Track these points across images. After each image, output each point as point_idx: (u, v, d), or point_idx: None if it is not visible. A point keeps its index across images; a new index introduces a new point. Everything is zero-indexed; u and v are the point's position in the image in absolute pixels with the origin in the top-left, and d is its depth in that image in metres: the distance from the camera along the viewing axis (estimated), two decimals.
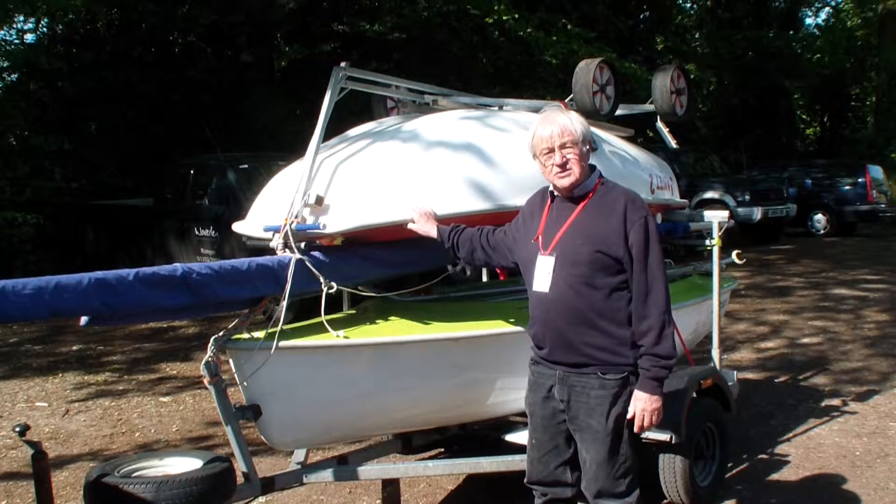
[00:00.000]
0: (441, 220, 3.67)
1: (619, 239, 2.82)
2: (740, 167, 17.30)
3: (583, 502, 3.05)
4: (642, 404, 2.83)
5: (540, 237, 2.99)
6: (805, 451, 4.99)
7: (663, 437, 3.89)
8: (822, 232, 17.89)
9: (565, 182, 2.92)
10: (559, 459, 3.02)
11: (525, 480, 3.15)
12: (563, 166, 2.90)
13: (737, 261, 5.21)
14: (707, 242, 4.72)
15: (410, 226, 3.44)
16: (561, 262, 2.89)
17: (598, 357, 2.86)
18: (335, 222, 3.47)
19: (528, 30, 13.94)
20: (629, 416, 2.86)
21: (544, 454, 3.04)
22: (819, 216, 17.96)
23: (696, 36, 26.27)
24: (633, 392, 2.85)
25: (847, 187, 17.90)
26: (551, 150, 2.91)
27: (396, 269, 3.90)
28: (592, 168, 3.01)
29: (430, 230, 3.43)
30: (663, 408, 2.88)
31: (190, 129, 12.62)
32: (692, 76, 10.75)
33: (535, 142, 2.96)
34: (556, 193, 3.02)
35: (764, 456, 4.94)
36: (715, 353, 4.68)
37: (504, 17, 13.87)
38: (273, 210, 3.71)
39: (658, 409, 2.84)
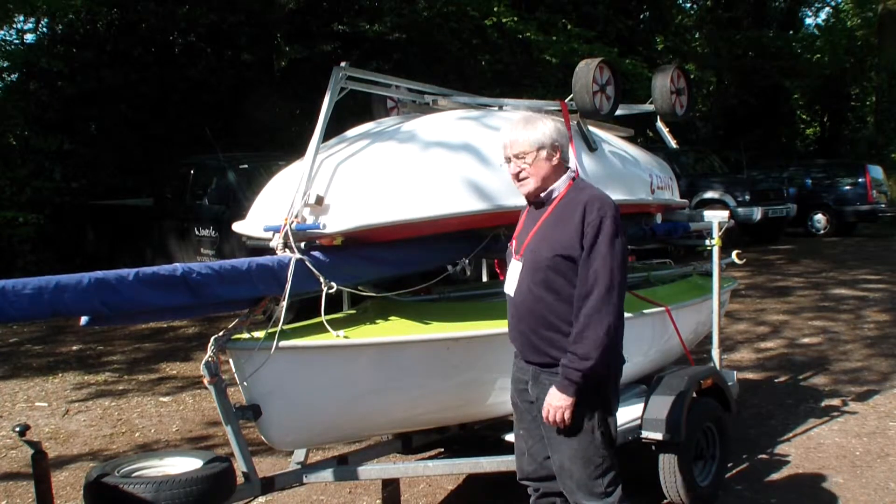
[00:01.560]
0: (441, 220, 3.67)
1: (575, 241, 2.82)
2: (740, 167, 17.28)
3: None
4: (549, 399, 2.84)
5: (514, 241, 3.06)
6: (805, 451, 4.99)
7: (662, 436, 3.90)
8: (822, 232, 17.88)
9: (523, 191, 3.00)
10: (545, 453, 3.04)
11: (518, 477, 3.19)
12: (517, 176, 2.96)
13: (737, 261, 5.21)
14: (707, 242, 4.72)
15: None
16: (526, 267, 2.93)
17: (561, 357, 2.86)
18: (335, 222, 3.47)
19: (528, 33, 13.95)
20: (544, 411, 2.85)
21: (532, 445, 3.08)
22: (819, 216, 17.96)
23: (696, 36, 26.27)
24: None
25: (847, 187, 17.89)
26: (508, 160, 2.98)
27: (396, 269, 3.90)
28: (566, 168, 2.98)
29: None
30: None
31: (190, 129, 12.63)
32: (692, 76, 10.76)
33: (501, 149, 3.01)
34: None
35: (764, 456, 4.94)
36: (715, 353, 4.68)
37: (504, 20, 13.89)
38: (273, 210, 3.71)
39: (565, 409, 2.79)
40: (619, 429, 3.86)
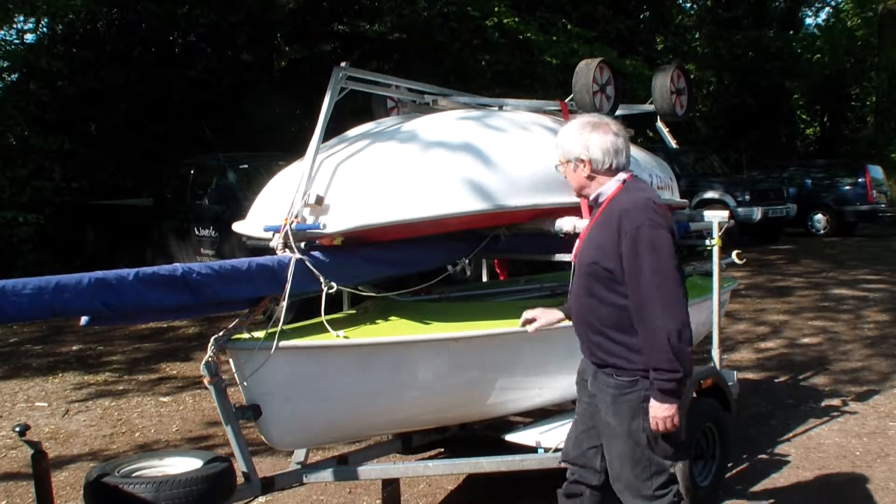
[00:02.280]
0: (441, 220, 3.67)
1: (612, 251, 2.82)
2: (740, 167, 17.29)
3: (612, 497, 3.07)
4: (653, 411, 2.84)
5: (578, 242, 3.13)
6: (805, 451, 4.99)
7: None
8: (822, 232, 17.87)
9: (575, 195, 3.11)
10: (592, 442, 3.08)
11: (561, 457, 3.25)
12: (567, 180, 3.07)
13: (737, 261, 5.20)
14: (707, 242, 4.72)
15: (534, 326, 3.31)
16: (576, 272, 3.03)
17: (611, 361, 2.92)
18: (335, 222, 3.47)
19: (529, 34, 13.95)
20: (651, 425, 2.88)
21: (581, 432, 3.13)
22: (819, 216, 17.95)
23: (696, 36, 26.28)
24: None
25: (847, 187, 17.89)
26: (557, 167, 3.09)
27: (396, 269, 3.90)
28: (616, 171, 2.96)
29: (554, 319, 3.29)
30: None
31: (190, 129, 12.63)
32: (692, 76, 10.74)
33: None
34: None
35: (764, 456, 4.94)
36: (715, 353, 4.68)
37: (505, 21, 13.89)
38: (273, 210, 3.71)
39: (669, 417, 2.81)
40: None
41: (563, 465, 3.22)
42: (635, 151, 4.93)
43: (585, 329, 2.99)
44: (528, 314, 3.31)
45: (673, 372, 2.75)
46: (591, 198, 3.01)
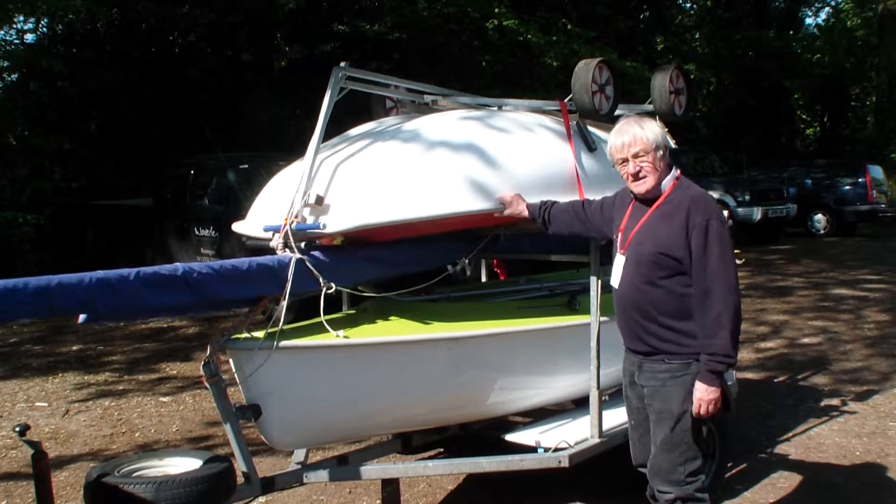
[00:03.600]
0: (441, 220, 3.67)
1: (680, 241, 2.96)
2: (740, 167, 17.29)
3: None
4: (699, 394, 2.99)
5: (620, 235, 3.19)
6: (805, 451, 4.99)
7: None
8: (822, 232, 17.88)
9: (639, 189, 3.11)
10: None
11: (633, 463, 3.33)
12: (636, 175, 3.07)
13: (737, 261, 5.20)
14: None
15: (504, 213, 3.56)
16: (629, 262, 3.09)
17: (663, 347, 3.04)
18: (335, 222, 3.47)
19: (529, 35, 13.95)
20: (694, 409, 3.00)
21: (641, 435, 3.23)
22: (819, 216, 17.95)
23: (696, 36, 26.28)
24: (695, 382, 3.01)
25: (847, 187, 17.89)
26: (625, 160, 3.08)
27: (396, 269, 3.90)
28: (671, 168, 3.11)
29: (521, 210, 3.56)
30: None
31: (190, 129, 12.62)
32: (692, 76, 10.72)
33: (612, 151, 3.14)
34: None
35: (764, 456, 4.94)
36: None
37: (505, 22, 13.88)
38: (273, 210, 3.71)
39: (715, 400, 2.97)
40: (618, 429, 3.91)
41: (638, 469, 3.30)
42: None
43: (638, 317, 3.07)
44: (503, 197, 3.52)
45: (727, 357, 2.95)
46: (651, 190, 3.07)
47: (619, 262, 3.15)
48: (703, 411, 2.98)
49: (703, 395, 2.97)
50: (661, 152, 3.06)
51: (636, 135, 3.05)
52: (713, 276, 2.92)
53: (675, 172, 3.11)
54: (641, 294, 3.05)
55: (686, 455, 3.03)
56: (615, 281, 3.17)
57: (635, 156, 3.05)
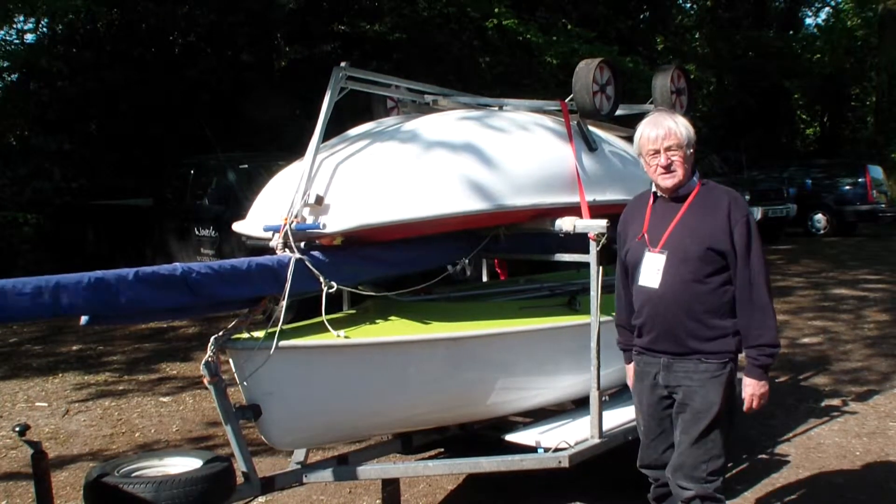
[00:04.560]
0: (441, 220, 3.67)
1: (724, 235, 2.98)
2: (740, 167, 17.28)
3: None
4: (751, 389, 3.06)
5: (645, 235, 3.12)
6: (805, 451, 4.99)
7: None
8: (822, 232, 17.87)
9: (669, 183, 3.07)
10: (667, 443, 3.17)
11: (637, 464, 3.30)
12: (668, 168, 3.06)
13: None
14: None
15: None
16: (671, 259, 3.04)
17: (701, 347, 3.03)
18: (335, 222, 3.47)
19: (528, 35, 13.95)
20: (745, 405, 3.04)
21: (653, 439, 3.20)
22: (819, 216, 17.94)
23: (696, 36, 26.28)
24: (743, 379, 3.07)
25: (847, 187, 17.88)
26: (657, 152, 3.06)
27: (396, 269, 3.90)
28: (694, 169, 3.13)
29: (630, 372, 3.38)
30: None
31: (190, 129, 12.61)
32: (692, 76, 10.70)
33: (642, 142, 3.10)
34: (658, 193, 3.16)
35: (764, 456, 4.94)
36: None
37: (505, 22, 13.88)
38: (273, 210, 3.71)
39: (765, 393, 3.06)
40: (618, 429, 3.91)
41: (642, 471, 3.30)
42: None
43: (683, 315, 3.03)
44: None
45: (775, 347, 3.01)
46: (678, 184, 3.07)
47: (653, 260, 3.07)
48: (754, 405, 3.04)
49: (755, 389, 3.04)
50: (691, 151, 3.08)
51: (670, 128, 3.05)
52: (756, 271, 2.96)
53: (698, 174, 3.14)
54: (688, 292, 3.01)
55: (711, 453, 3.02)
56: (650, 281, 3.07)
57: (668, 149, 3.04)
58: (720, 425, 3.02)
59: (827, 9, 30.74)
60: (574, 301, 4.30)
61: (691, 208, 3.06)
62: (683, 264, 3.01)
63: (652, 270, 3.07)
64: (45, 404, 6.29)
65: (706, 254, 2.98)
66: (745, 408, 3.06)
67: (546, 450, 3.74)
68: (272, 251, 3.49)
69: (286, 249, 3.42)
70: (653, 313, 3.08)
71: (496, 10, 13.96)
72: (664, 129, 3.05)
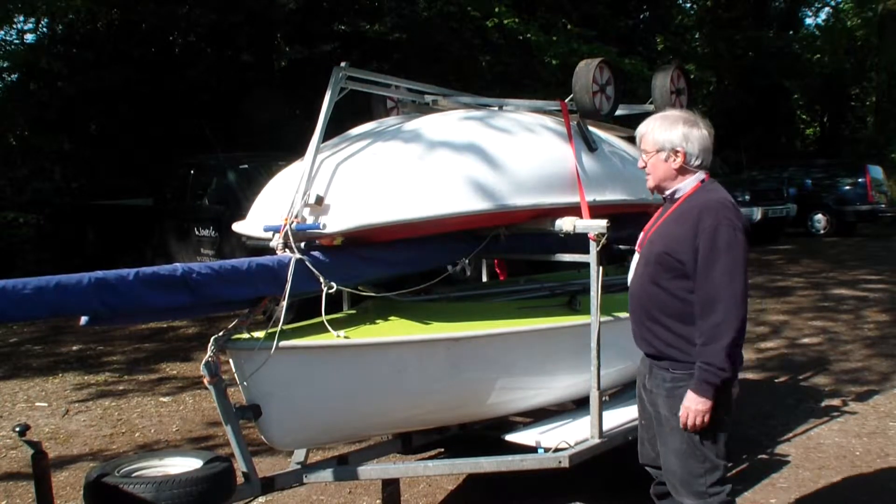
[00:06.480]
0: (441, 220, 3.67)
1: (687, 245, 2.87)
2: (740, 167, 17.30)
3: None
4: (687, 402, 2.87)
5: (642, 234, 3.16)
6: (805, 451, 4.99)
7: None
8: (822, 232, 17.87)
9: (648, 184, 3.09)
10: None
11: (639, 461, 3.27)
12: (644, 169, 3.07)
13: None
14: None
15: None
16: (640, 260, 3.06)
17: (668, 352, 2.96)
18: (335, 222, 3.47)
19: (529, 35, 13.96)
20: (681, 419, 2.88)
21: (652, 436, 3.15)
22: (819, 216, 17.95)
23: (696, 36, 26.28)
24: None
25: (847, 187, 17.89)
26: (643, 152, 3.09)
27: (396, 269, 3.90)
28: (696, 171, 3.02)
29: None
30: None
31: (190, 129, 12.62)
32: (692, 76, 10.72)
33: None
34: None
35: (764, 456, 4.94)
36: None
37: (505, 21, 13.89)
38: (273, 210, 3.71)
39: (703, 412, 2.84)
40: (618, 429, 3.90)
41: (644, 467, 3.27)
42: (636, 151, 4.94)
43: (642, 316, 3.02)
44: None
45: (721, 370, 2.81)
46: (667, 192, 3.04)
47: (634, 260, 3.13)
48: (689, 423, 2.85)
49: (692, 404, 2.84)
50: (667, 154, 2.98)
51: (643, 133, 3.04)
52: (716, 287, 2.79)
53: (701, 175, 3.01)
54: (646, 293, 3.00)
55: (704, 466, 2.91)
56: (629, 279, 3.14)
57: (643, 151, 3.05)
58: (697, 439, 2.90)
59: (827, 9, 30.78)
60: (574, 301, 4.30)
61: (673, 213, 3.01)
62: (646, 266, 3.01)
63: (632, 269, 3.13)
64: (45, 404, 6.29)
65: (662, 258, 2.92)
66: (680, 423, 2.88)
67: (546, 450, 3.74)
68: (272, 251, 3.49)
69: (286, 250, 3.42)
70: (630, 311, 3.14)
71: (496, 9, 13.96)
72: (640, 132, 3.06)
